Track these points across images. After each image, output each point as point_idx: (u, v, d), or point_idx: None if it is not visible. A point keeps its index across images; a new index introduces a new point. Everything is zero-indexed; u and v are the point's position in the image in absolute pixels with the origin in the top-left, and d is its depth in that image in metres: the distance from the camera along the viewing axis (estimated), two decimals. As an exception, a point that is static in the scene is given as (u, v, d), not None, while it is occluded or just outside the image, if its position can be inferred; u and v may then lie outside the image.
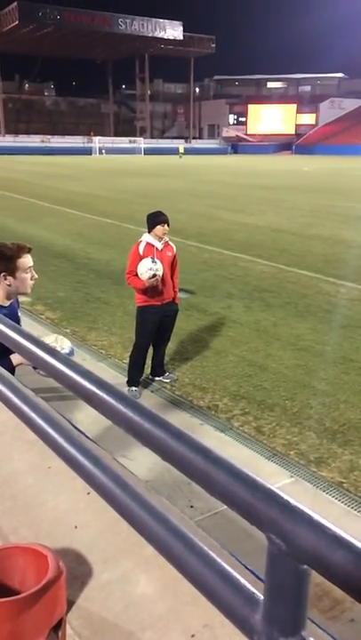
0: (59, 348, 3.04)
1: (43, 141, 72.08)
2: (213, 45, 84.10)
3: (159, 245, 5.33)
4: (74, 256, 11.40)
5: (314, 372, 5.91)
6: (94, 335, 6.90)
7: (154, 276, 5.10)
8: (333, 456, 4.36)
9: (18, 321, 3.12)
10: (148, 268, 5.09)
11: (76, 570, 1.33)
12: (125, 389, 5.41)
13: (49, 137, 74.56)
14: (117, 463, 1.42)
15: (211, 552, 1.01)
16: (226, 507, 3.77)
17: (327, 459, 4.32)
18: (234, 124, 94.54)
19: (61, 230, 14.42)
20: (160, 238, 5.34)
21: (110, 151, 70.09)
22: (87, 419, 4.90)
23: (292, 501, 0.90)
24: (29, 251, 2.94)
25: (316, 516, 0.88)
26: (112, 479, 1.26)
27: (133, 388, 5.40)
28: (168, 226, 5.38)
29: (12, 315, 3.05)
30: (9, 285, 2.89)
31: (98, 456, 1.34)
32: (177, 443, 1.07)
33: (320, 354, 6.39)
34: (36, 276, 2.99)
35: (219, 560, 0.99)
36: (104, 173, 37.25)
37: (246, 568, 0.98)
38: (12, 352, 2.94)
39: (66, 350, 3.06)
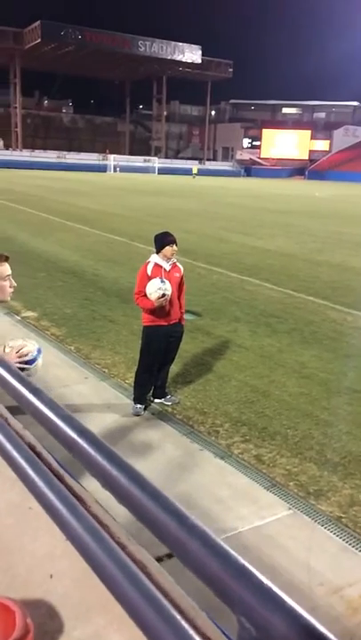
0: (30, 345, 3.08)
1: (58, 157, 73.02)
2: (231, 70, 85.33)
3: (167, 266, 5.33)
4: (82, 273, 11.43)
5: (317, 401, 5.83)
6: (98, 353, 6.86)
7: (163, 295, 5.10)
8: (333, 489, 4.26)
9: None
10: (157, 288, 5.09)
11: (48, 624, 1.26)
12: (130, 407, 5.39)
13: (65, 153, 75.55)
14: (99, 507, 1.36)
15: (183, 622, 0.94)
16: (221, 537, 3.66)
17: (327, 492, 4.23)
18: (248, 148, 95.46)
19: (72, 246, 14.49)
20: (168, 259, 5.34)
21: (125, 169, 70.88)
22: (98, 430, 4.86)
23: (267, 582, 0.84)
24: (7, 259, 3.00)
25: (289, 601, 0.82)
26: (88, 531, 1.20)
27: (138, 406, 5.37)
28: (176, 246, 5.39)
29: None
30: None
31: (76, 504, 1.28)
32: (153, 503, 1.01)
33: (324, 382, 6.32)
34: (15, 284, 3.04)
35: (191, 632, 0.92)
36: (117, 191, 37.59)
37: (223, 633, 0.91)
38: None
39: (35, 346, 3.10)
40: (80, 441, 1.22)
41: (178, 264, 5.49)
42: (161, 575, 0.99)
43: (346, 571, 3.40)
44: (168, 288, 5.13)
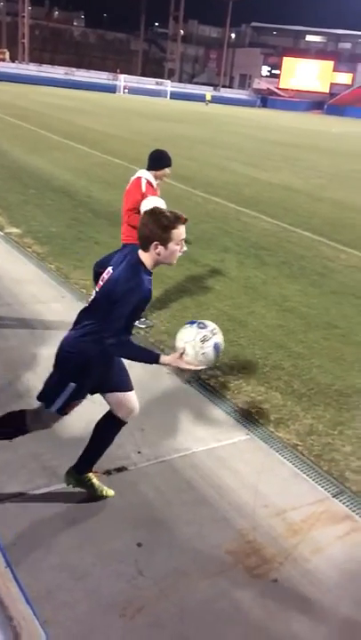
0: (210, 335, 2.69)
1: (67, 74, 69.57)
2: (255, -12, 79.91)
3: (155, 186, 5.14)
4: (74, 193, 11.10)
5: (294, 334, 5.76)
6: (79, 274, 6.73)
7: None
8: (294, 418, 4.26)
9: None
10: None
11: None
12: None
13: (74, 69, 71.97)
14: None
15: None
16: (173, 456, 3.63)
17: (287, 420, 4.23)
18: (267, 76, 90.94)
19: (67, 165, 14.01)
20: (158, 180, 5.15)
21: (135, 91, 67.74)
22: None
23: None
24: (185, 222, 2.82)
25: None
26: None
27: None
28: None
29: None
30: (158, 255, 2.81)
31: None
32: None
33: (304, 317, 6.23)
34: (186, 248, 2.88)
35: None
36: (124, 113, 36.11)
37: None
38: None
39: (212, 340, 2.76)
40: None
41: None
42: None
43: (292, 495, 3.43)
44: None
